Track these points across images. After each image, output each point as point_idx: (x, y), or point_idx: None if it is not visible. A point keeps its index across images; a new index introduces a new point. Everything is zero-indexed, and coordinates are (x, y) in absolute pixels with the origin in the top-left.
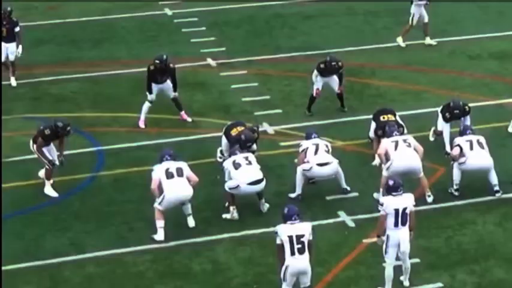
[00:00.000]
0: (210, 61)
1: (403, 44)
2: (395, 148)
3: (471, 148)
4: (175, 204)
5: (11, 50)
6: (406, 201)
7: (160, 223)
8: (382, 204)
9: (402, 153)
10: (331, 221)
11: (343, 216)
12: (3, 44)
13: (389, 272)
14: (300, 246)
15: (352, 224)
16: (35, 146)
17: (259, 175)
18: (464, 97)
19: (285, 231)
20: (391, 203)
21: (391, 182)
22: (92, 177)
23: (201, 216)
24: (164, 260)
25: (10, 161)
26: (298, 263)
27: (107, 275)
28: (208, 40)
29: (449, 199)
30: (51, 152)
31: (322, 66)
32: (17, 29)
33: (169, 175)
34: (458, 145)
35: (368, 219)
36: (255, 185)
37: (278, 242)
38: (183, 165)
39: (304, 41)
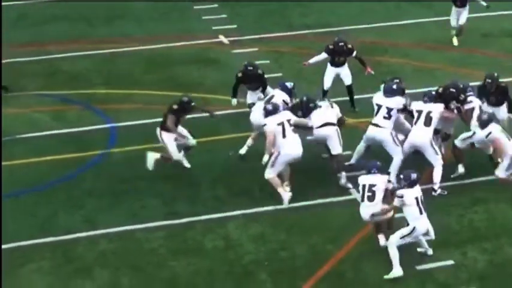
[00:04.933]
0: (222, 38)
1: None
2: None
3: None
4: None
5: None
6: (418, 190)
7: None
8: (402, 196)
9: (413, 131)
10: (342, 198)
11: (354, 194)
12: None
13: (395, 251)
14: (370, 194)
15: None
16: (163, 133)
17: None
18: (477, 75)
19: (361, 180)
20: (409, 193)
21: (415, 175)
22: (104, 154)
23: (213, 193)
24: (177, 237)
25: (23, 138)
26: (364, 210)
27: (120, 251)
28: (220, 17)
29: (461, 177)
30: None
31: (330, 47)
32: None
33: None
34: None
35: None
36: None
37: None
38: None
39: (317, 19)
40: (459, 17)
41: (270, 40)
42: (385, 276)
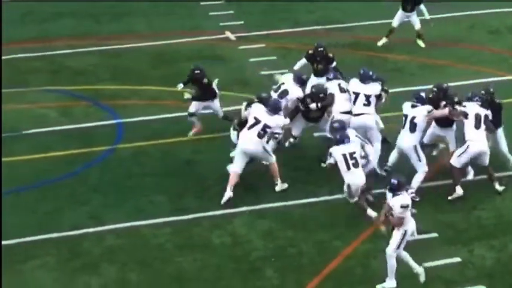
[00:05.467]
0: (228, 34)
1: None
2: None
3: None
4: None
5: None
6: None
7: None
8: (407, 206)
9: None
10: None
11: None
12: None
13: (394, 263)
14: (353, 161)
15: (370, 198)
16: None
17: None
18: (484, 72)
19: (338, 151)
20: (409, 201)
21: (396, 181)
22: (111, 150)
23: (220, 189)
24: (183, 233)
25: (29, 133)
26: (354, 176)
27: (127, 247)
28: (227, 13)
29: (468, 174)
30: None
31: (310, 52)
32: None
33: None
34: None
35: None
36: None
37: (332, 161)
38: None
39: (323, 15)
40: (411, 21)
41: (277, 36)
42: (378, 286)
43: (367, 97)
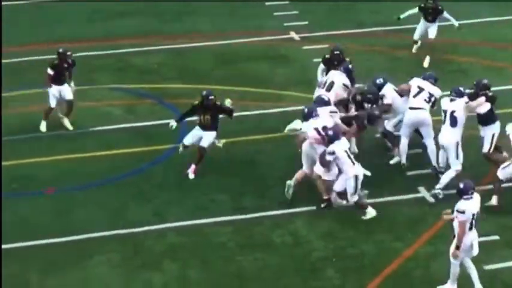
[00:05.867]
0: (293, 35)
1: None
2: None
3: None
4: None
5: (67, 91)
6: (478, 204)
7: None
8: (463, 212)
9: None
10: (410, 196)
11: (423, 192)
12: (57, 87)
13: (457, 269)
14: (353, 155)
15: (431, 200)
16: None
17: None
18: None
19: (339, 148)
20: (469, 208)
21: (462, 185)
22: (175, 148)
23: (281, 189)
24: (245, 232)
25: (95, 131)
26: (358, 168)
27: (188, 245)
28: (292, 14)
29: None
30: None
31: (326, 56)
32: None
33: None
34: None
35: (448, 195)
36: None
37: (331, 159)
38: None
39: (388, 16)
40: (427, 31)
41: (341, 37)
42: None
43: (430, 95)
